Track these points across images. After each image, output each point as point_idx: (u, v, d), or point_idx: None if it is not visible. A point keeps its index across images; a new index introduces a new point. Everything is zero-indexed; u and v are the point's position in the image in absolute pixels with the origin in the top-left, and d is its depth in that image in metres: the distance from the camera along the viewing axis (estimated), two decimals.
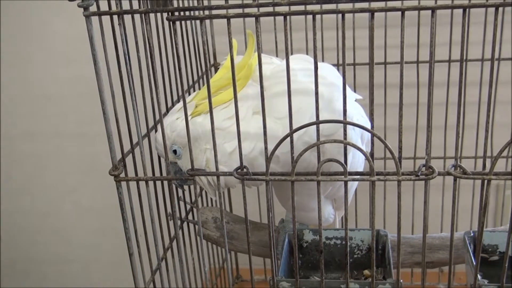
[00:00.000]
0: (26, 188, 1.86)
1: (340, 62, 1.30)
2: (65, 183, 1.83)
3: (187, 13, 0.72)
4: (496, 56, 1.33)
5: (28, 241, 1.94)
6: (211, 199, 1.34)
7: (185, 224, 1.17)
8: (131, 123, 0.83)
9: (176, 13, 0.71)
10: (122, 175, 0.82)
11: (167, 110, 1.03)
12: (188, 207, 1.19)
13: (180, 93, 1.10)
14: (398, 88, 0.68)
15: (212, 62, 1.39)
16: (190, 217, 1.20)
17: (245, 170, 0.76)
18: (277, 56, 1.22)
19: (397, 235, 0.76)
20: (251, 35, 0.91)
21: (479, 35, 1.32)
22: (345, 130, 0.73)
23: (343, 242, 0.95)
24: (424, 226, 0.76)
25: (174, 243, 1.07)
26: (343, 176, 0.72)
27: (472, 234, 0.89)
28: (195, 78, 1.26)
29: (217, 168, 0.78)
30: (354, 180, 0.72)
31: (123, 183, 0.83)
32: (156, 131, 0.95)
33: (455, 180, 0.71)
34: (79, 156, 1.78)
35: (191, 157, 0.78)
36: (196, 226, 1.15)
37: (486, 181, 0.70)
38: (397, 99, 0.69)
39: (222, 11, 0.69)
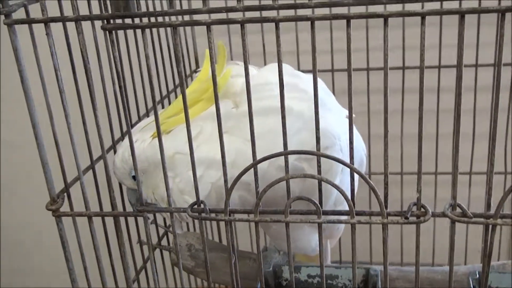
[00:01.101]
0: (6, 198, 1.77)
1: (321, 68, 1.17)
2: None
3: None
4: (492, 61, 1.19)
5: (9, 253, 1.85)
6: (187, 223, 1.22)
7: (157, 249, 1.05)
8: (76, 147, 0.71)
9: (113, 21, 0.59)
10: (64, 208, 0.70)
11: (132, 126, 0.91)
12: (161, 231, 1.06)
13: (150, 107, 0.99)
14: (382, 95, 0.55)
15: (194, 68, 1.28)
16: (164, 241, 1.08)
17: (202, 206, 0.64)
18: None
19: (384, 283, 0.64)
20: (222, 46, 0.79)
21: (473, 39, 1.18)
22: (318, 162, 0.60)
23: (328, 281, 0.83)
24: (416, 272, 0.63)
25: (142, 274, 0.96)
26: (316, 217, 0.59)
27: (477, 276, 0.76)
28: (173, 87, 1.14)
29: (169, 204, 0.66)
30: (329, 222, 0.59)
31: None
32: (115, 152, 0.83)
33: (453, 223, 0.58)
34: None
35: (139, 189, 0.66)
36: (171, 253, 1.03)
37: (490, 226, 0.57)
38: (382, 106, 0.56)
39: (167, 19, 0.57)
